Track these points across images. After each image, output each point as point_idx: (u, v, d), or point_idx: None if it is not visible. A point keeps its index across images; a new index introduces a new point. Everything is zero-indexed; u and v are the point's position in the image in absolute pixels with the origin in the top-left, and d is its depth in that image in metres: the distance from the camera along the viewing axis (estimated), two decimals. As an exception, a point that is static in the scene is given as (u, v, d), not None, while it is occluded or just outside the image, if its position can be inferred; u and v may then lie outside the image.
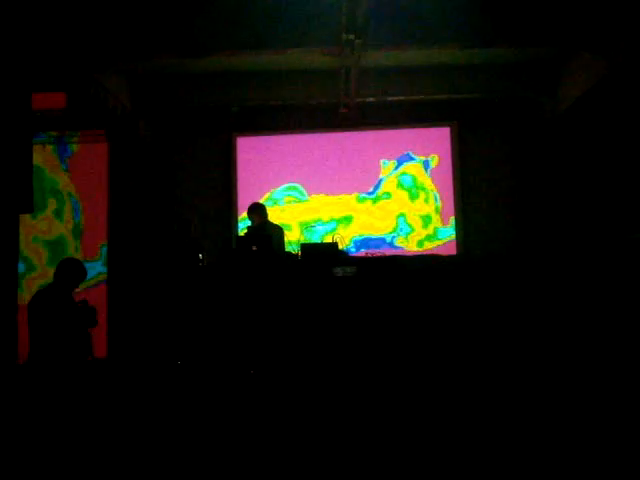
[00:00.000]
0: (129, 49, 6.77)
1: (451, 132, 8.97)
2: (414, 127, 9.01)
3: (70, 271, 5.43)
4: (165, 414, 4.51)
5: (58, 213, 8.58)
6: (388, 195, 8.98)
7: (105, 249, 8.45)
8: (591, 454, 3.46)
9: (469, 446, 3.67)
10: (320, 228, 8.69)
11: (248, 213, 7.03)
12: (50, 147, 8.57)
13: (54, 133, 8.51)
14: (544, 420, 4.12)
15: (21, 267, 8.11)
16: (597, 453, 3.47)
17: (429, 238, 8.89)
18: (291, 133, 9.11)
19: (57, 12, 6.00)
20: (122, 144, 8.44)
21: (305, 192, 9.00)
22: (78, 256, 8.00)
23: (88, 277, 8.28)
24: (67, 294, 5.39)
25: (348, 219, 8.94)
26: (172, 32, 6.58)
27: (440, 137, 8.98)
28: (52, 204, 8.57)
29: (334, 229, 8.65)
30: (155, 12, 6.43)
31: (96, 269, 8.42)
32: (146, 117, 8.71)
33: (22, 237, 8.12)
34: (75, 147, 8.65)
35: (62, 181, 8.63)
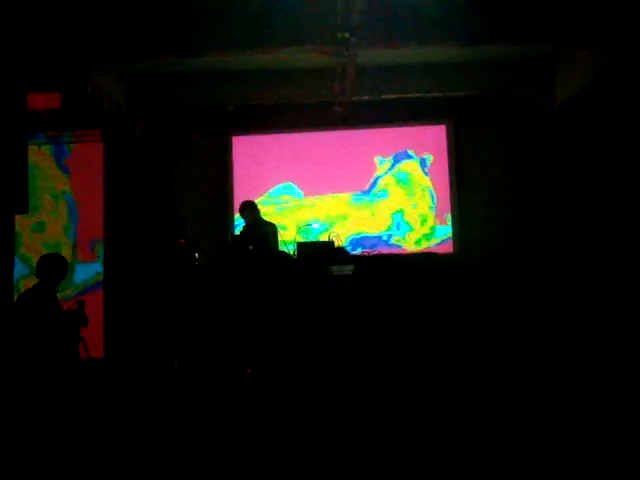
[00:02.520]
0: (124, 48, 6.76)
1: (447, 130, 8.98)
2: (410, 125, 9.02)
3: (52, 266, 5.30)
4: (163, 414, 4.51)
5: (54, 214, 8.56)
6: (384, 193, 8.99)
7: (102, 249, 8.43)
8: (591, 454, 3.47)
9: (468, 445, 3.68)
10: (316, 227, 8.70)
11: (240, 211, 7.01)
12: (46, 147, 8.56)
13: (49, 133, 8.49)
14: (543, 418, 4.13)
15: (22, 269, 8.10)
16: (597, 453, 3.48)
17: (426, 236, 8.90)
18: (287, 132, 9.11)
19: (52, 12, 5.99)
20: (118, 144, 8.43)
21: (301, 191, 9.00)
22: (74, 257, 8.03)
23: (85, 278, 8.34)
24: (52, 292, 5.27)
25: (344, 218, 8.94)
26: (167, 32, 6.58)
27: (436, 135, 8.99)
28: (48, 205, 8.55)
29: (330, 228, 8.65)
30: (150, 11, 6.42)
31: (93, 270, 8.40)
32: (142, 116, 8.70)
33: (21, 238, 8.20)
34: (71, 147, 8.63)
35: (58, 181, 8.61)
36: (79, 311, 5.41)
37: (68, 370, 5.09)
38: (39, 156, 8.45)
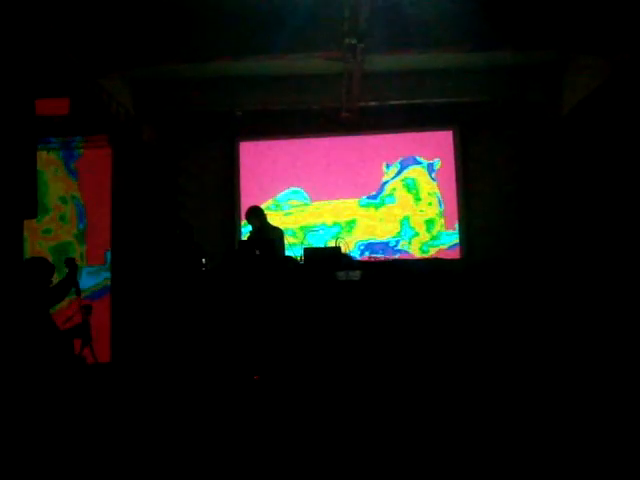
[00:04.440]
0: (133, 54, 6.80)
1: (454, 136, 8.97)
2: (416, 131, 9.01)
3: (37, 271, 5.02)
4: (169, 419, 4.51)
5: (62, 218, 8.59)
6: (391, 199, 8.98)
7: (109, 254, 8.45)
8: (592, 455, 3.46)
9: (473, 450, 3.66)
10: (323, 232, 8.69)
11: (246, 216, 7.01)
12: (54, 152, 8.59)
13: (58, 138, 8.53)
14: (546, 423, 4.12)
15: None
16: (598, 454, 3.46)
17: (433, 242, 8.88)
18: (294, 137, 9.12)
19: (61, 18, 6.03)
20: (126, 149, 8.46)
21: (308, 196, 9.01)
22: (82, 261, 8.07)
23: (93, 283, 8.36)
24: (36, 298, 4.94)
25: (351, 223, 8.94)
26: (175, 38, 6.61)
27: (443, 141, 8.98)
28: (56, 209, 8.59)
29: (337, 233, 8.64)
30: (158, 18, 6.46)
31: (101, 275, 8.43)
32: (149, 122, 8.73)
33: (28, 242, 8.22)
34: (79, 152, 8.67)
35: (66, 186, 8.65)
36: (81, 327, 5.19)
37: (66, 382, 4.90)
38: (48, 161, 8.49)
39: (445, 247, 8.84)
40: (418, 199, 8.96)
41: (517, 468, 3.39)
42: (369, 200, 8.97)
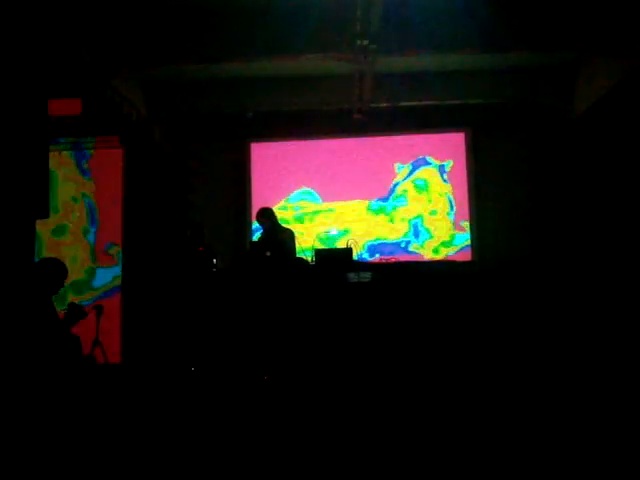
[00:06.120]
0: (144, 54, 6.81)
1: (465, 137, 8.94)
2: (428, 132, 8.99)
3: (50, 273, 4.87)
4: (179, 420, 4.51)
5: (74, 218, 8.62)
6: (402, 200, 8.96)
7: (120, 254, 8.48)
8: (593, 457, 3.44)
9: (479, 449, 3.64)
10: (334, 233, 8.68)
11: (257, 217, 7.01)
12: (66, 153, 8.63)
13: (70, 139, 8.57)
14: (557, 426, 4.09)
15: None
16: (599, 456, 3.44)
17: (444, 244, 8.85)
18: (305, 139, 9.12)
19: (73, 18, 6.05)
20: (137, 150, 8.48)
21: (319, 198, 9.00)
22: (92, 261, 8.10)
23: (103, 283, 8.39)
24: (46, 299, 4.81)
25: (362, 224, 8.92)
26: (187, 38, 6.62)
27: (455, 142, 8.95)
28: (68, 209, 8.62)
29: (348, 234, 8.62)
30: (171, 18, 6.47)
31: (112, 274, 8.45)
32: (161, 123, 8.75)
33: (42, 243, 8.27)
34: (91, 152, 8.70)
35: (78, 186, 8.68)
36: (74, 311, 5.00)
37: (67, 375, 4.84)
38: (60, 161, 8.53)
39: (456, 248, 8.81)
40: (429, 200, 8.94)
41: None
42: (380, 201, 8.95)
